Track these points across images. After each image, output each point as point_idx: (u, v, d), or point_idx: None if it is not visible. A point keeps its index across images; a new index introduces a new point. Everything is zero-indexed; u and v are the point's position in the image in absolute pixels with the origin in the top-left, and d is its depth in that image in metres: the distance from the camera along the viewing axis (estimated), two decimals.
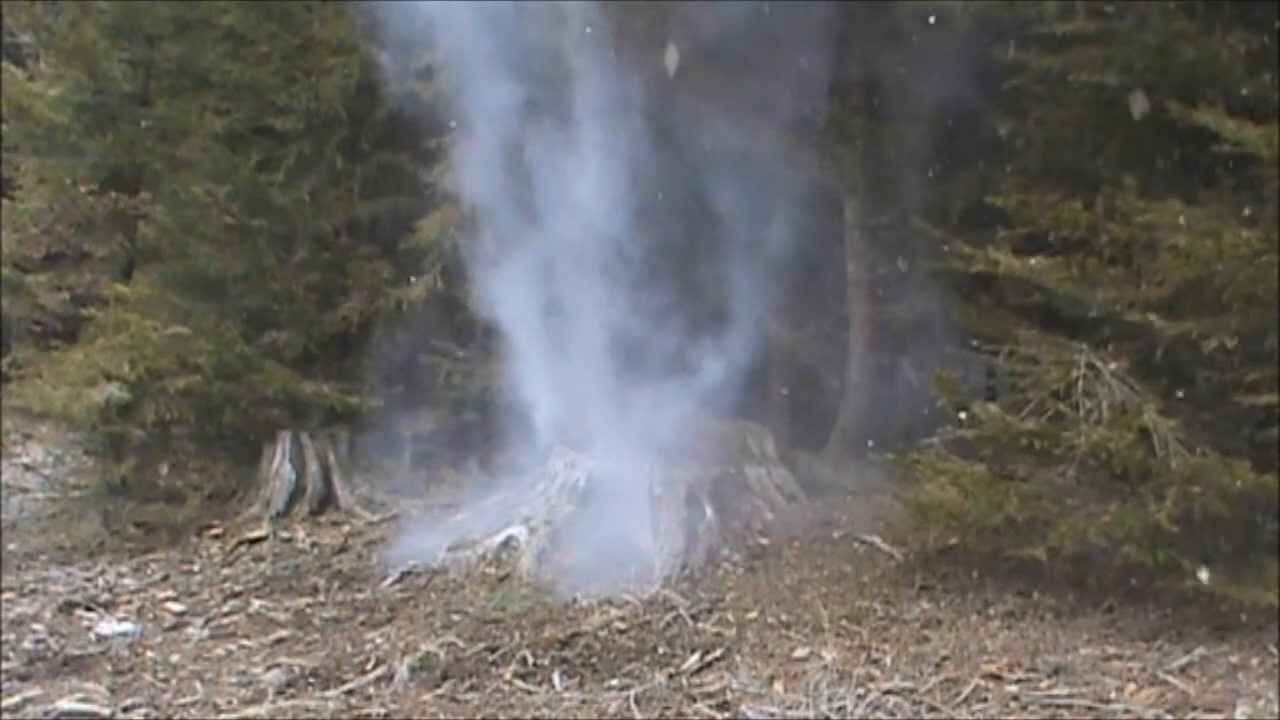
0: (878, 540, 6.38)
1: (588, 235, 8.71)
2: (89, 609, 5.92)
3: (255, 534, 7.18)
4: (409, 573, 6.39)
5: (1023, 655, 4.98)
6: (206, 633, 5.66)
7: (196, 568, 6.69)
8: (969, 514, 5.40)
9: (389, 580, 6.33)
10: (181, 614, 5.92)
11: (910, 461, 5.77)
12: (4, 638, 5.38)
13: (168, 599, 6.14)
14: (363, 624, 5.72)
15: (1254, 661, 4.77)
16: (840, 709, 4.57)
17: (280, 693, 4.85)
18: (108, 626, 5.69)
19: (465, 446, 8.75)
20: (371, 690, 4.88)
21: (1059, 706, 4.54)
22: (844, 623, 5.40)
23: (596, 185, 7.95)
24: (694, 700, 4.70)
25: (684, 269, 9.64)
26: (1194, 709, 4.46)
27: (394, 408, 8.54)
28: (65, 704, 4.72)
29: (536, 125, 7.60)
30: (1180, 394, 5.20)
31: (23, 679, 4.98)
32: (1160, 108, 5.11)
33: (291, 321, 8.37)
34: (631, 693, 4.74)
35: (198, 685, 4.97)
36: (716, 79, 7.87)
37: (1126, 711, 4.48)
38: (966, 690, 4.68)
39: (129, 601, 6.07)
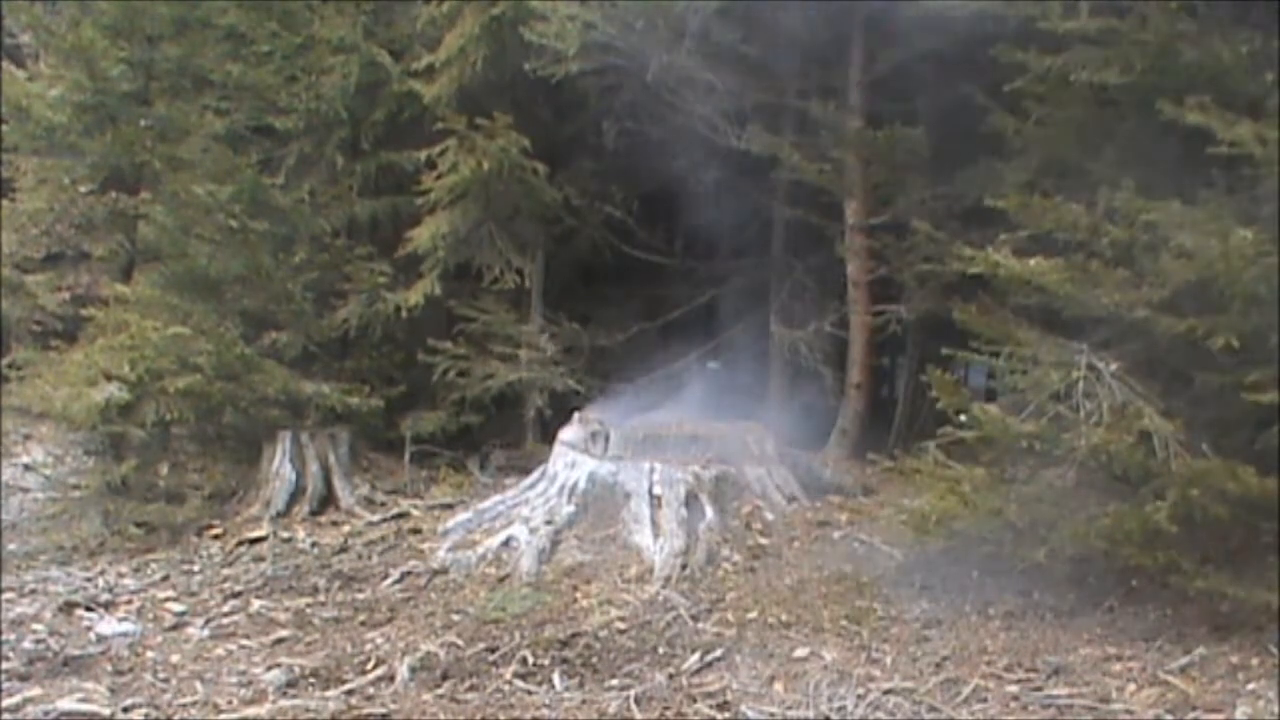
0: (878, 540, 6.38)
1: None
2: (89, 609, 5.91)
3: (255, 534, 7.18)
4: (409, 573, 6.40)
5: (1023, 655, 4.99)
6: (206, 633, 5.66)
7: (196, 568, 6.68)
8: (968, 520, 5.40)
9: (389, 580, 6.33)
10: (181, 614, 5.92)
11: (910, 470, 5.77)
12: (4, 638, 5.37)
13: (168, 599, 6.13)
14: (363, 624, 5.72)
15: (1254, 661, 4.77)
16: (840, 709, 4.57)
17: (280, 693, 4.85)
18: (108, 626, 5.68)
19: (465, 446, 8.77)
20: (371, 690, 4.88)
21: (1059, 706, 4.55)
22: (844, 623, 5.41)
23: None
24: (694, 700, 4.70)
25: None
26: (1194, 709, 4.47)
27: (394, 408, 8.56)
28: (65, 704, 4.72)
29: None
30: (1181, 395, 5.20)
31: (23, 679, 4.97)
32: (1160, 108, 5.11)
33: (291, 321, 8.38)
34: (631, 693, 4.74)
35: (198, 685, 4.97)
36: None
37: (1127, 711, 4.49)
38: (966, 690, 4.69)
39: (129, 601, 6.07)
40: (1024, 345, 5.47)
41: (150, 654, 5.36)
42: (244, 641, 5.53)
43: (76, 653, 5.30)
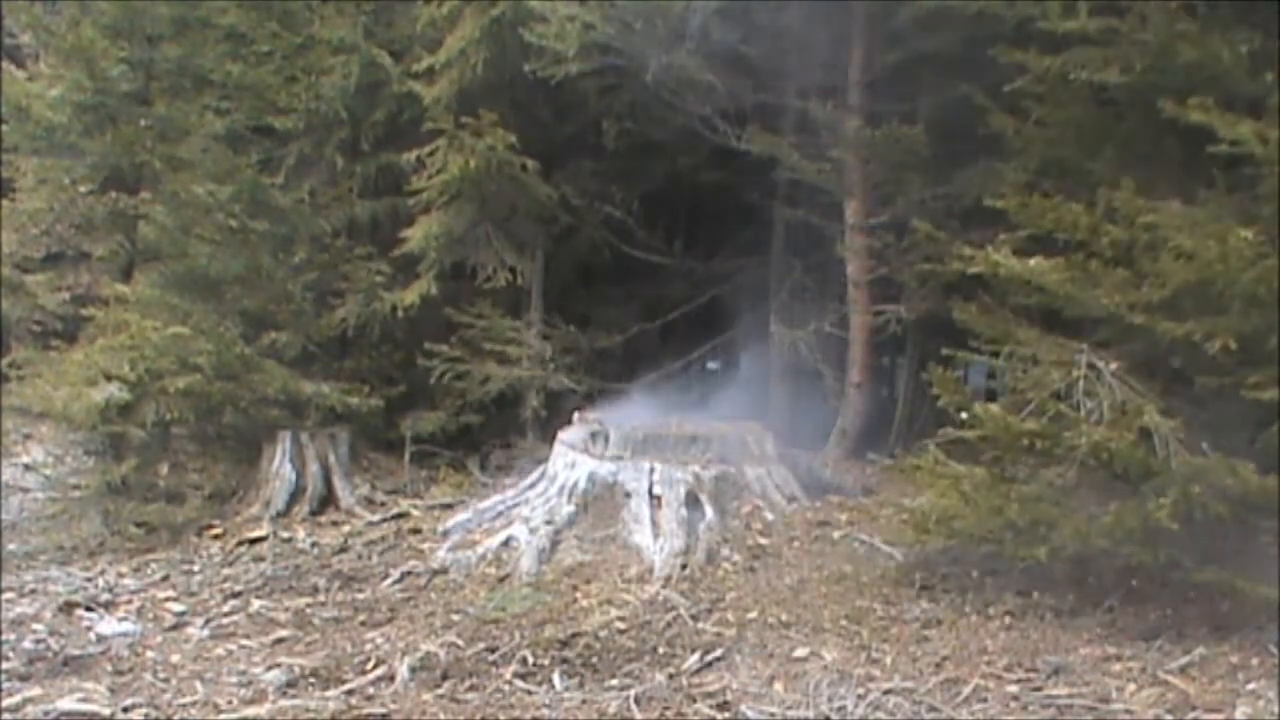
0: (878, 540, 6.38)
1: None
2: (89, 609, 5.92)
3: (255, 534, 7.18)
4: (409, 573, 6.40)
5: (1023, 655, 4.99)
6: (206, 633, 5.66)
7: (196, 568, 6.68)
8: (969, 519, 5.40)
9: (389, 580, 6.33)
10: (181, 614, 5.92)
11: (911, 467, 5.76)
12: (4, 638, 5.37)
13: (168, 599, 6.13)
14: (363, 624, 5.72)
15: (1254, 661, 4.78)
16: (840, 709, 4.57)
17: (280, 693, 4.85)
18: (108, 626, 5.68)
19: (465, 446, 8.78)
20: (371, 690, 4.88)
21: (1059, 706, 4.55)
22: (844, 623, 5.40)
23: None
24: (694, 700, 4.70)
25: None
26: (1194, 709, 4.47)
27: (394, 408, 8.56)
28: (65, 704, 4.71)
29: None
30: (1181, 395, 5.20)
31: (23, 679, 4.97)
32: (1160, 108, 5.10)
33: (291, 321, 8.38)
34: (631, 693, 4.74)
35: (198, 685, 4.97)
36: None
37: (1126, 711, 4.49)
38: (966, 690, 4.68)
39: (129, 601, 6.07)
40: (1024, 345, 5.47)
41: (150, 654, 5.36)
42: (244, 641, 5.53)
43: (76, 653, 5.30)
